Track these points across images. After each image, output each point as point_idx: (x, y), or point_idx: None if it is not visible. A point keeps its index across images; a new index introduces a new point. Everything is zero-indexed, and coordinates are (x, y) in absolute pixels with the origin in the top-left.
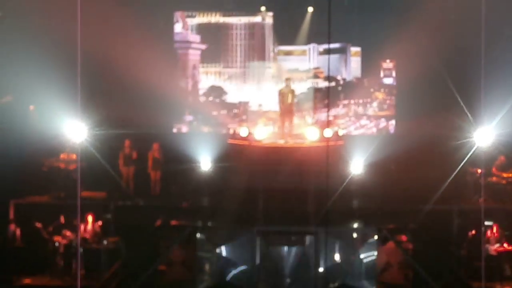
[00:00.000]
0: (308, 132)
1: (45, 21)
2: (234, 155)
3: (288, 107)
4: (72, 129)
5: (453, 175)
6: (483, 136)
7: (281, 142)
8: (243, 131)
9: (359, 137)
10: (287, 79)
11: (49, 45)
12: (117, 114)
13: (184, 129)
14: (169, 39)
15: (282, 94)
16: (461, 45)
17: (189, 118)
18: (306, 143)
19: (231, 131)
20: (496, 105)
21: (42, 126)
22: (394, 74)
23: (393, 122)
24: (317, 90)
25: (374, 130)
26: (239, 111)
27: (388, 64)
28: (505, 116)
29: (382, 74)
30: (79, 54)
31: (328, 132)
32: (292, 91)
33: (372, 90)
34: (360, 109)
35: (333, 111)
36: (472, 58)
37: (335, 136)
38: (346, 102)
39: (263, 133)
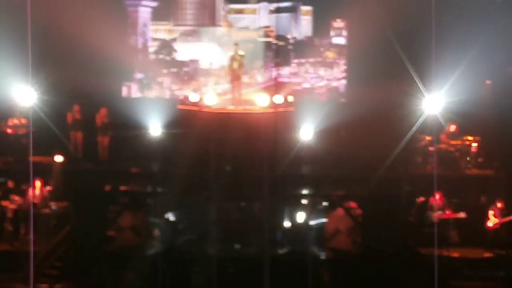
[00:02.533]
0: (258, 98)
1: None
2: (184, 121)
3: (236, 72)
4: (22, 94)
5: (402, 143)
6: (432, 104)
7: (231, 107)
8: (193, 97)
9: (309, 103)
10: (236, 45)
11: None
12: (67, 78)
13: (134, 89)
14: None
15: (231, 60)
16: (412, 12)
17: (139, 76)
18: (256, 109)
19: (181, 96)
20: (446, 73)
21: None
22: (344, 33)
23: (343, 82)
24: (267, 48)
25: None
26: (189, 68)
27: (339, 23)
28: (455, 84)
29: (332, 34)
30: (29, 18)
31: (278, 99)
32: (241, 56)
33: (322, 49)
34: (311, 69)
35: (284, 70)
36: (423, 25)
37: (285, 102)
38: (296, 61)
39: (213, 99)
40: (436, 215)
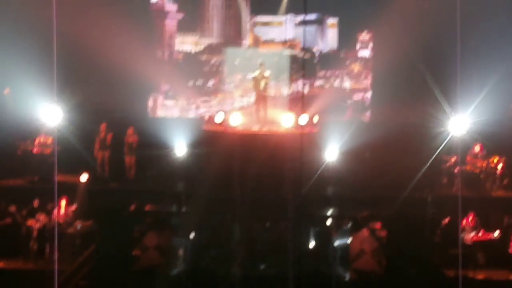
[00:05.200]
0: (283, 118)
1: (22, 3)
2: (209, 141)
3: (262, 93)
4: (48, 113)
5: (427, 163)
6: (458, 124)
7: (255, 128)
8: (218, 117)
9: (334, 124)
10: (261, 65)
11: (26, 28)
12: (93, 98)
13: (160, 100)
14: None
15: (256, 80)
16: (438, 34)
17: (165, 87)
18: (281, 130)
19: (206, 117)
20: (471, 94)
21: (17, 109)
22: (370, 46)
23: (368, 95)
24: (293, 61)
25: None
26: (216, 81)
27: (364, 36)
28: (480, 105)
29: (358, 46)
30: (55, 37)
31: (303, 119)
32: (266, 77)
33: (348, 62)
34: (337, 82)
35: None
36: (448, 47)
37: (310, 123)
38: (322, 74)
39: (238, 119)
40: (469, 236)
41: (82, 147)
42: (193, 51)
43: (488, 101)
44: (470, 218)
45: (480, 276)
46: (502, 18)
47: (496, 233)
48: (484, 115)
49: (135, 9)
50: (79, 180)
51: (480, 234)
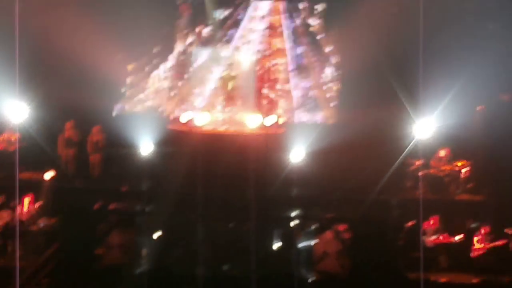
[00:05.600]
0: (249, 119)
1: None
2: (174, 141)
3: (229, 94)
4: (12, 109)
5: (392, 166)
6: (423, 128)
7: (221, 128)
8: (183, 117)
9: (300, 126)
10: (229, 65)
11: None
12: (58, 94)
13: (126, 106)
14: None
15: (223, 80)
16: (405, 37)
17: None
18: (247, 131)
19: (172, 116)
20: (436, 97)
21: None
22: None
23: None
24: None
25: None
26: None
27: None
28: (445, 109)
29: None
30: (17, 32)
31: (269, 120)
32: (234, 78)
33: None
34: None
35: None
36: (413, 51)
37: (276, 124)
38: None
39: (204, 119)
40: (431, 239)
41: (47, 145)
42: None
43: (453, 104)
44: (432, 221)
45: (442, 279)
46: (468, 21)
47: (458, 237)
48: (450, 119)
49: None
50: (43, 178)
51: (441, 238)
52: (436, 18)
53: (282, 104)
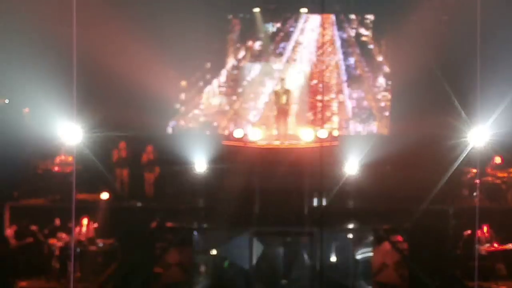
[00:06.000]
0: (302, 132)
1: (41, 23)
2: (229, 157)
3: (283, 108)
4: (68, 132)
5: (448, 175)
6: (478, 136)
7: (276, 143)
8: (237, 132)
9: (354, 137)
10: (282, 79)
11: (45, 47)
12: (112, 116)
13: (180, 123)
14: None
15: (276, 95)
16: (456, 44)
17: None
18: (301, 144)
19: (226, 132)
20: (491, 105)
21: (37, 128)
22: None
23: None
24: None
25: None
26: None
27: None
28: (500, 116)
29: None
30: (75, 56)
31: (323, 133)
32: (287, 91)
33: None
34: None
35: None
36: (467, 58)
37: (330, 137)
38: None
39: (258, 134)
40: (484, 247)
41: (102, 165)
42: None
43: (508, 111)
44: (485, 229)
45: (502, 287)
46: None
47: (510, 245)
48: (505, 126)
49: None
50: (99, 198)
51: (496, 245)
52: (490, 24)
53: (336, 116)
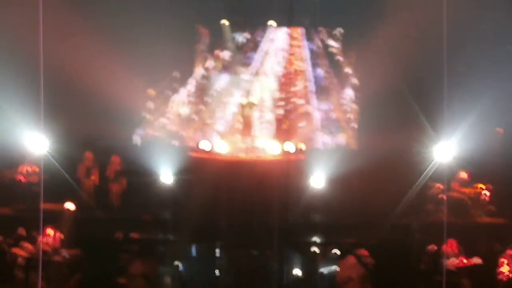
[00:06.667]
0: (269, 146)
1: (7, 31)
2: (195, 168)
3: (248, 120)
4: (33, 141)
5: (414, 190)
6: (444, 151)
7: (242, 155)
8: (204, 144)
9: (320, 151)
10: (247, 92)
11: (11, 55)
12: (79, 126)
13: (147, 132)
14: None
15: (242, 107)
16: (424, 60)
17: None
18: (267, 157)
19: (193, 143)
20: (457, 120)
21: (2, 137)
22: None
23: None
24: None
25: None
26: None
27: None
28: (467, 132)
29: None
30: (41, 65)
31: (289, 146)
32: (252, 104)
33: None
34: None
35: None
36: (434, 74)
37: (297, 150)
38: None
39: (224, 146)
40: (451, 262)
41: (68, 176)
42: None
43: (474, 127)
44: (451, 244)
45: None
46: (489, 44)
47: (479, 259)
48: (470, 142)
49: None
50: (65, 209)
51: (464, 261)
52: (457, 41)
53: (302, 129)
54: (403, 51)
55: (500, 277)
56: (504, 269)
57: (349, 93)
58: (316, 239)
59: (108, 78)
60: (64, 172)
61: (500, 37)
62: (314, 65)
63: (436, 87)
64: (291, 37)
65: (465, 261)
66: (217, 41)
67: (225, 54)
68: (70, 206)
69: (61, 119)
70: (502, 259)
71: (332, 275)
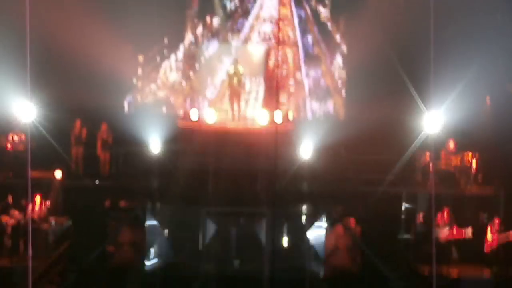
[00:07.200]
0: (258, 114)
1: None
2: (184, 137)
3: (235, 89)
4: (21, 109)
5: (402, 160)
6: (432, 121)
7: (231, 124)
8: (193, 113)
9: (309, 120)
10: (235, 61)
11: None
12: (68, 93)
13: (136, 98)
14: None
15: (229, 77)
16: (412, 29)
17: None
18: (256, 126)
19: (182, 111)
20: (446, 90)
21: None
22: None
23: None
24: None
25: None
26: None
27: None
28: (455, 102)
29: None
30: (28, 31)
31: (278, 115)
32: (239, 73)
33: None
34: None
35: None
36: (422, 43)
37: (285, 119)
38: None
39: (213, 116)
40: (444, 232)
41: (56, 144)
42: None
43: (463, 97)
44: (445, 215)
45: (454, 273)
46: (478, 13)
47: (470, 231)
48: (459, 111)
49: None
50: (53, 177)
51: (454, 231)
52: (445, 10)
53: (292, 96)
54: (391, 19)
55: (486, 246)
56: (490, 238)
57: (338, 60)
58: (304, 208)
59: (97, 45)
60: (52, 140)
61: (488, 6)
62: (303, 31)
63: (424, 57)
64: (281, 3)
65: (455, 231)
66: (207, 7)
67: (215, 21)
68: (58, 174)
69: (49, 86)
70: (488, 230)
71: (320, 243)
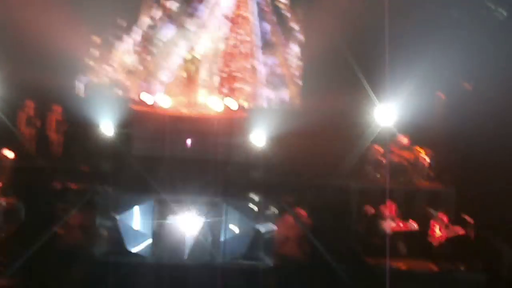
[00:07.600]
0: (212, 101)
1: None
2: (137, 121)
3: (191, 76)
4: None
5: (354, 153)
6: (385, 114)
7: (184, 111)
8: (147, 97)
9: (263, 109)
10: (191, 47)
11: None
12: (20, 73)
13: (91, 79)
14: None
15: (186, 62)
16: (367, 23)
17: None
18: (210, 113)
19: (136, 95)
20: (399, 84)
21: None
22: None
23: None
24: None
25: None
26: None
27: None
28: (408, 96)
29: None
30: None
31: (232, 102)
32: (197, 60)
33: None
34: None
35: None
36: (377, 36)
37: (239, 107)
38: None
39: (167, 101)
40: (388, 225)
41: (7, 123)
42: None
43: (415, 91)
44: (390, 207)
45: (401, 265)
46: (432, 7)
47: (415, 224)
48: (412, 106)
49: None
50: (3, 156)
51: (401, 224)
52: (401, 4)
53: (247, 84)
54: (348, 11)
55: (430, 240)
56: (435, 232)
57: (294, 49)
58: (255, 197)
59: (51, 24)
60: (4, 119)
61: (444, 1)
62: (261, 19)
63: (378, 50)
64: None
65: (401, 225)
66: None
67: (172, 4)
68: (8, 154)
69: (1, 65)
70: (436, 224)
71: (270, 233)
